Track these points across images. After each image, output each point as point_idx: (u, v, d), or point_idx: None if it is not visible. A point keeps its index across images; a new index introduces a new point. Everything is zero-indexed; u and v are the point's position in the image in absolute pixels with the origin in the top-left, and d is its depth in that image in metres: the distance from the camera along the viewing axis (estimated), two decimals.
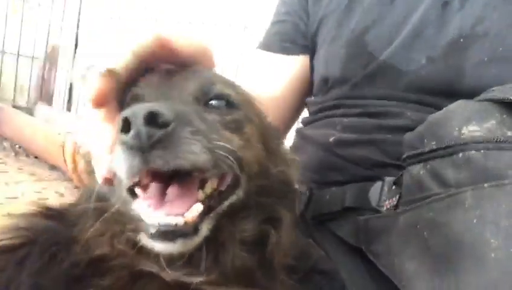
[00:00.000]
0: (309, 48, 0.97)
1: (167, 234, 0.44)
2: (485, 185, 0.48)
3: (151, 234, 0.44)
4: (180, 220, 0.43)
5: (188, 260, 0.49)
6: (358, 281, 0.65)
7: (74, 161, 2.31)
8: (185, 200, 0.46)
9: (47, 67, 3.56)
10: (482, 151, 0.50)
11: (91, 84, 0.47)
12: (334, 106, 0.85)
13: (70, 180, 2.65)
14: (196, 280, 0.48)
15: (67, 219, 0.59)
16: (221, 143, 0.47)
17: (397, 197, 0.63)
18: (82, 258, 0.51)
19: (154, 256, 0.49)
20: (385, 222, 0.62)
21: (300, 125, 1.02)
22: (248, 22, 2.24)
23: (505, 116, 0.51)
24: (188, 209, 0.44)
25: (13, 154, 3.10)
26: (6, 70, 3.53)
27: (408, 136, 0.63)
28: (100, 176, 0.51)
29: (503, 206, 0.45)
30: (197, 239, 0.46)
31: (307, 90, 1.01)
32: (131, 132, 0.40)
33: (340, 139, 0.78)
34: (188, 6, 2.68)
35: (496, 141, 0.49)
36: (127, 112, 0.41)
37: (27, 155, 3.10)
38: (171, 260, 0.49)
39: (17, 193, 2.45)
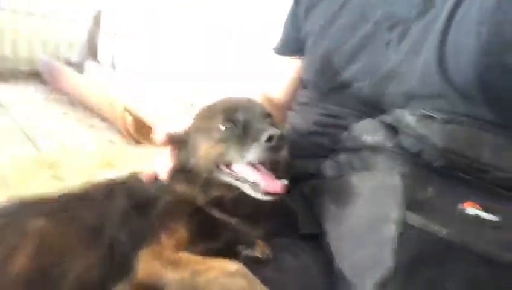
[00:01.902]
0: (301, 51, 1.23)
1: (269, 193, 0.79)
2: (365, 172, 0.83)
3: (260, 193, 0.79)
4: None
5: None
6: (306, 217, 0.99)
7: (123, 117, 2.78)
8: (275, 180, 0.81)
9: (94, 29, 3.98)
10: (368, 152, 0.85)
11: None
12: (308, 103, 1.16)
13: (119, 131, 3.14)
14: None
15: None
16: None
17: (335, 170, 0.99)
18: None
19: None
20: (322, 184, 0.97)
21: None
22: None
23: (385, 131, 0.84)
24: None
25: (71, 106, 3.64)
26: (59, 31, 3.98)
27: (343, 134, 0.97)
28: (159, 140, 0.93)
29: (369, 184, 0.81)
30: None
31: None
32: (274, 142, 0.76)
33: (309, 131, 1.11)
34: None
35: (376, 147, 0.83)
36: (270, 132, 0.77)
37: (83, 108, 3.61)
38: None
39: (79, 141, 2.99)
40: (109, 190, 0.86)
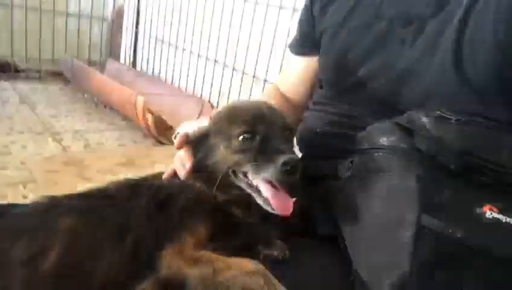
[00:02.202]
0: (317, 50, 1.24)
1: None
2: (380, 173, 0.84)
3: (270, 208, 0.82)
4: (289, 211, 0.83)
5: None
6: (323, 217, 0.98)
7: (144, 116, 2.85)
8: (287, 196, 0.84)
9: (114, 27, 4.07)
10: (383, 153, 0.85)
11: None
12: (324, 103, 1.16)
13: (142, 130, 3.21)
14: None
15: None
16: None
17: (350, 171, 1.00)
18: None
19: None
20: (337, 185, 0.97)
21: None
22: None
23: (400, 133, 0.83)
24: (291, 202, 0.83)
25: (94, 105, 3.73)
26: (81, 31, 4.08)
27: (358, 136, 0.97)
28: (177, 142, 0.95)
29: (384, 185, 0.81)
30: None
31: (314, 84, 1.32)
32: (289, 167, 0.79)
33: (323, 131, 1.11)
34: None
35: (391, 149, 0.83)
36: (286, 158, 0.80)
37: (105, 106, 3.70)
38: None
39: (102, 139, 3.07)
40: (134, 189, 0.89)
